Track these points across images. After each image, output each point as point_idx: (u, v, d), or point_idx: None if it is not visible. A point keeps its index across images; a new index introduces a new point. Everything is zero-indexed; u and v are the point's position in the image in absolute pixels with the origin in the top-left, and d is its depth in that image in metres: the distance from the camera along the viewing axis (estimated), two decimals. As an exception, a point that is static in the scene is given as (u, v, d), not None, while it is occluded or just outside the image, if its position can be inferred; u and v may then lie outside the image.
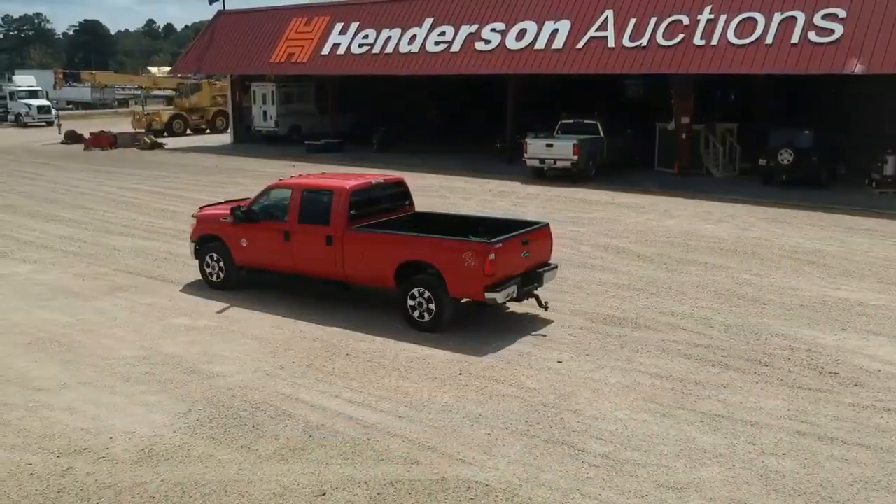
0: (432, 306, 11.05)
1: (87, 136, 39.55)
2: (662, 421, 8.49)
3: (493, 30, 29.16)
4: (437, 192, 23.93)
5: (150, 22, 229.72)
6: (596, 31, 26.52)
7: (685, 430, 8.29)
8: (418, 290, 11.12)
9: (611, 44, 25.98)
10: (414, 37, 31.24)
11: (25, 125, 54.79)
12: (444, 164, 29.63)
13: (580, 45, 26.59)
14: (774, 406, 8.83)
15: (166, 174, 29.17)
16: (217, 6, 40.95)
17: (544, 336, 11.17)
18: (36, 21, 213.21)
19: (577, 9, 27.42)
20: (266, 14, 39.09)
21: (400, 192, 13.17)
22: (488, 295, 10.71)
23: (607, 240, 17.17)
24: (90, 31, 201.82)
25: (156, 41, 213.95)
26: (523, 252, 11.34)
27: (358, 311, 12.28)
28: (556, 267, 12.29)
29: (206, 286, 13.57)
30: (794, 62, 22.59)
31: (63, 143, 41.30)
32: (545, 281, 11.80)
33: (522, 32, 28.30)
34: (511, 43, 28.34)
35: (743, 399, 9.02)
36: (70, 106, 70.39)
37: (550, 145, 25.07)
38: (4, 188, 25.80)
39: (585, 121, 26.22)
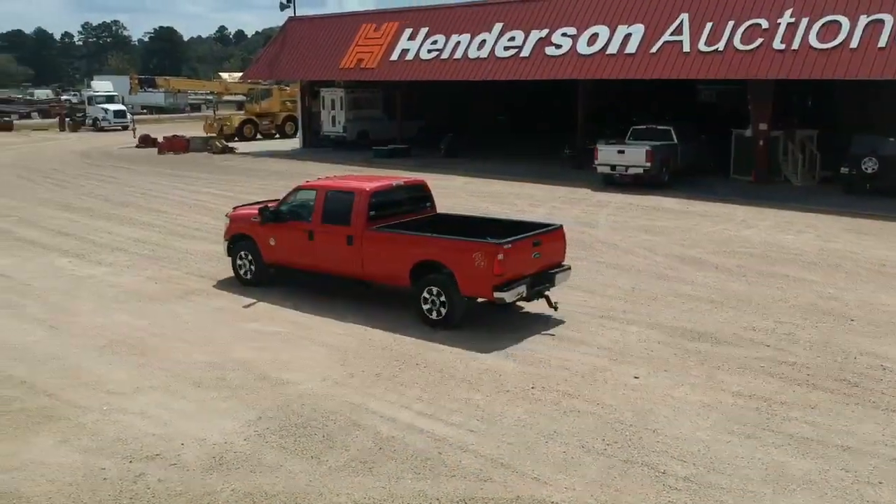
0: (444, 304, 11.37)
1: (160, 140, 40.41)
2: (747, 443, 8.08)
3: (564, 34, 28.78)
4: (505, 198, 23.67)
5: (222, 28, 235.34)
6: (670, 35, 25.94)
7: (772, 453, 7.86)
8: (431, 289, 11.46)
9: (686, 48, 25.37)
10: (483, 42, 31.04)
11: (102, 129, 56.37)
12: (512, 170, 29.35)
13: (654, 49, 26.03)
14: (868, 430, 8.33)
15: (237, 178, 29.54)
16: (288, 12, 41.48)
17: (620, 350, 10.81)
18: (114, 28, 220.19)
19: (651, 13, 26.87)
20: (336, 20, 39.44)
21: (422, 194, 13.55)
22: (497, 294, 10.98)
23: (682, 250, 16.66)
24: (165, 38, 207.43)
25: (227, 47, 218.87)
26: (534, 253, 11.56)
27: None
28: (570, 268, 12.45)
29: (274, 292, 13.58)
30: (880, 67, 21.68)
31: (138, 147, 42.30)
32: (558, 282, 12.00)
33: (594, 37, 27.86)
34: (582, 48, 27.92)
35: (833, 422, 8.54)
36: (144, 111, 72.24)
37: (622, 151, 24.58)
38: (82, 191, 26.45)
39: (658, 127, 25.62)
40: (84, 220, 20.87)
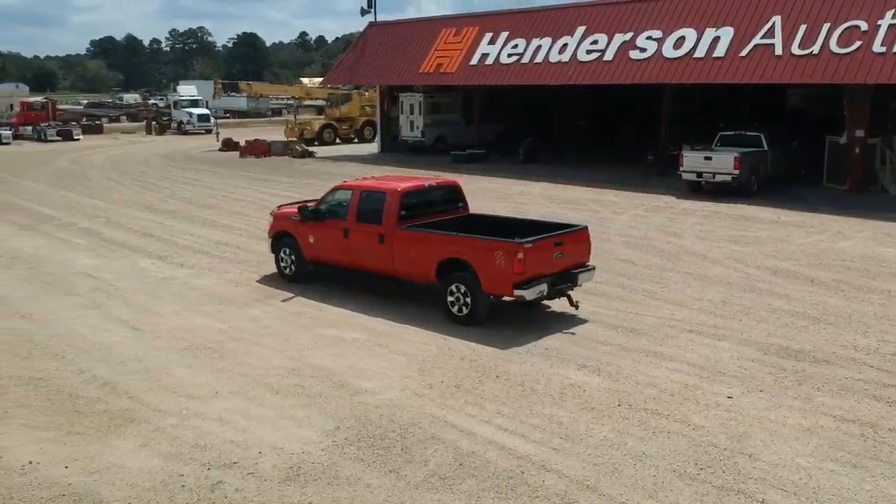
0: (469, 301, 11.69)
1: (242, 143, 41.12)
2: (853, 473, 7.51)
3: (649, 38, 28.10)
4: (585, 205, 23.17)
5: (303, 34, 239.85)
6: (762, 38, 25.02)
7: (881, 485, 7.29)
8: (456, 286, 11.79)
9: (778, 51, 24.41)
10: (565, 46, 30.58)
11: (187, 132, 57.80)
12: (592, 177, 28.77)
13: (744, 53, 25.15)
14: None
15: (316, 182, 29.71)
16: (368, 17, 41.74)
17: (711, 367, 10.28)
18: (199, 34, 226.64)
19: (742, 15, 25.98)
20: (416, 25, 39.49)
21: (453, 195, 13.94)
22: (517, 292, 11.26)
23: (775, 262, 15.91)
24: (248, 44, 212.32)
25: (308, 53, 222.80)
26: (556, 253, 11.79)
27: (507, 329, 11.79)
28: (594, 268, 12.58)
29: (351, 298, 13.48)
30: None
31: (220, 150, 43.14)
32: (581, 282, 12.18)
33: (681, 40, 27.10)
34: (668, 51, 27.19)
35: (949, 453, 7.88)
36: (227, 115, 73.83)
37: (709, 158, 23.76)
38: (166, 193, 27.00)
39: (748, 132, 24.70)
40: (167, 222, 21.24)
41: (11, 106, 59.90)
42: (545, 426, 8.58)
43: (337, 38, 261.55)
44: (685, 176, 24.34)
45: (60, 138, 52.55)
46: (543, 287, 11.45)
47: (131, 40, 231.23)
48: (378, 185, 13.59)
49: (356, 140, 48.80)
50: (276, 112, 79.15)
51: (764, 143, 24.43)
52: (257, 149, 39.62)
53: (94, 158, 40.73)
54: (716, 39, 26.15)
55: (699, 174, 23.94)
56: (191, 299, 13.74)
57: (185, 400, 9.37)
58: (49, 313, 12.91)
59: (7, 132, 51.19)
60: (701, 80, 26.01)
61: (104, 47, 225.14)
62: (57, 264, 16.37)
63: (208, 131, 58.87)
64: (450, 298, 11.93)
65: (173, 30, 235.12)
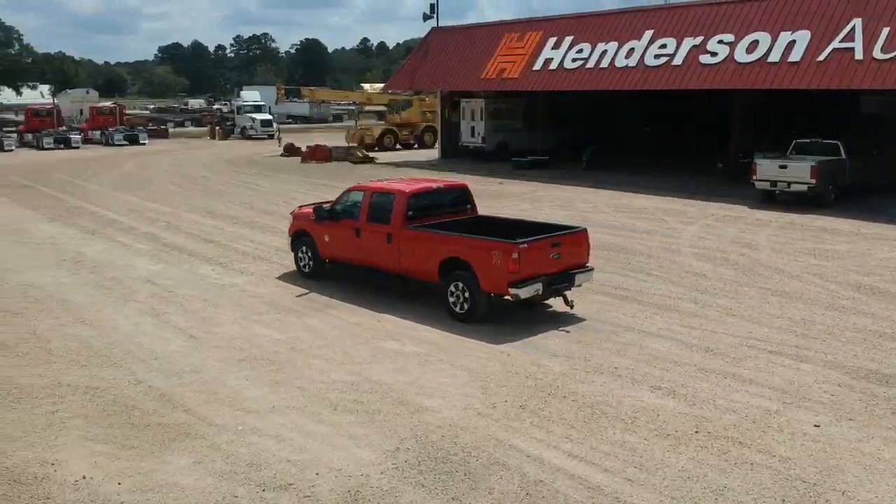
0: (468, 298, 12.06)
1: (304, 149, 41.27)
2: (961, 516, 6.81)
3: (720, 41, 27.22)
4: (652, 214, 22.44)
5: (365, 40, 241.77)
6: (840, 41, 23.97)
7: None
8: (456, 284, 12.19)
9: (858, 55, 23.35)
10: (632, 50, 29.85)
11: (249, 137, 58.45)
12: (659, 185, 27.96)
13: (821, 57, 24.13)
14: None
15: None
16: (431, 23, 41.53)
17: (795, 392, 9.59)
18: (263, 41, 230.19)
19: (819, 17, 24.95)
20: (478, 30, 39.15)
21: (462, 197, 14.33)
22: (512, 290, 11.60)
23: (858, 277, 15.04)
24: (310, 50, 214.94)
25: (369, 59, 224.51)
26: (553, 254, 12.08)
27: (574, 345, 11.27)
28: (592, 269, 12.89)
29: (412, 309, 13.11)
30: None
31: (282, 155, 43.38)
32: (578, 282, 12.49)
33: (754, 44, 26.17)
34: (741, 56, 26.28)
35: None
36: (290, 120, 74.58)
37: (784, 167, 22.81)
38: (229, 199, 27.09)
39: (825, 140, 23.64)
40: (228, 228, 21.21)
41: (81, 111, 61.37)
42: (617, 453, 8.05)
43: (398, 44, 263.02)
44: (758, 185, 23.42)
45: (127, 143, 53.59)
46: (538, 286, 11.77)
47: (197, 46, 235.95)
48: (388, 186, 14.15)
49: (416, 146, 48.68)
50: (338, 118, 79.77)
51: (842, 151, 23.36)
52: (318, 154, 39.70)
53: (159, 162, 41.34)
54: (791, 43, 25.17)
55: (773, 183, 23.01)
56: (250, 307, 13.53)
57: (241, 414, 9.08)
58: (108, 320, 12.83)
59: (77, 136, 52.36)
60: (776, 86, 25.07)
61: (171, 53, 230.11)
62: (118, 269, 16.38)
63: (270, 136, 59.52)
64: (451, 295, 12.32)
65: (238, 36, 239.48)
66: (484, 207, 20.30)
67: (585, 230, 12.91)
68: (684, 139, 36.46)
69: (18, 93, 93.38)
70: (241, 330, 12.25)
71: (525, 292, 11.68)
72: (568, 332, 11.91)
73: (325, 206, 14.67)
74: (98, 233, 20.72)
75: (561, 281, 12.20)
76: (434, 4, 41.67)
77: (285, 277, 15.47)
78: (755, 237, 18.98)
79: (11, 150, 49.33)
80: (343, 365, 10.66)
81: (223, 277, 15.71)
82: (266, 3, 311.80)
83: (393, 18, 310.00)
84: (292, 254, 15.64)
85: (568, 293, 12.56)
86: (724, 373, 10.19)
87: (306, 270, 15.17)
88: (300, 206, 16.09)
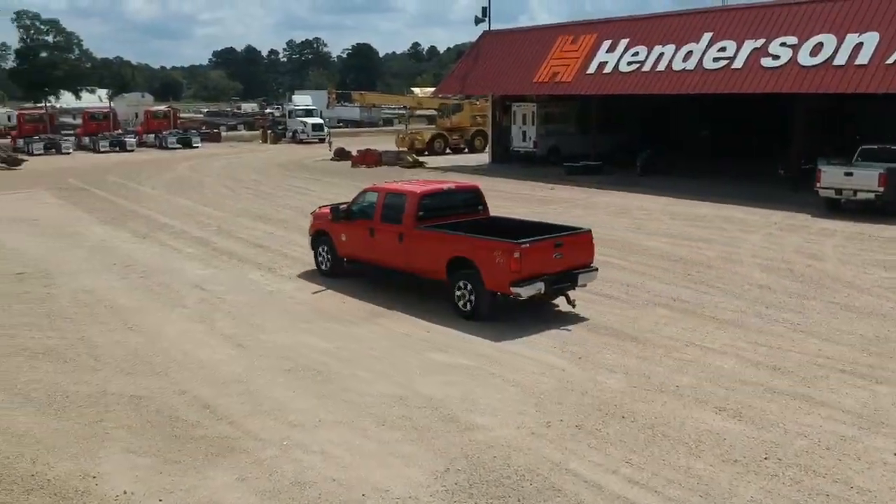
0: (473, 297, 12.45)
1: (354, 153, 41.19)
2: None
3: (782, 44, 26.32)
4: (711, 222, 21.72)
5: (416, 45, 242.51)
6: (912, 43, 22.96)
7: None
8: (463, 283, 12.58)
9: (931, 57, 22.32)
10: (690, 53, 29.08)
11: (301, 142, 58.71)
12: (717, 191, 27.11)
13: (891, 60, 23.13)
14: None
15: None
16: (483, 26, 41.17)
17: (871, 416, 8.96)
18: (315, 45, 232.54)
19: (888, 19, 23.93)
20: (531, 34, 38.66)
21: (473, 198, 14.68)
22: (514, 289, 11.93)
23: (934, 292, 14.23)
24: (361, 55, 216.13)
25: (420, 63, 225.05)
26: (556, 254, 12.38)
27: (633, 361, 10.78)
28: (596, 269, 13.13)
29: (458, 319, 12.74)
30: None
31: (332, 159, 43.37)
32: (582, 281, 12.76)
33: (818, 47, 25.24)
34: (804, 59, 25.36)
35: None
36: (341, 124, 74.81)
37: (850, 174, 21.88)
38: (278, 202, 27.05)
39: (893, 147, 22.63)
40: (279, 232, 21.09)
41: (137, 114, 62.40)
42: (681, 481, 7.56)
43: (448, 48, 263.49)
44: (822, 193, 22.51)
45: (180, 146, 54.20)
46: (540, 285, 12.04)
47: (251, 51, 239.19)
48: (400, 187, 14.70)
49: (466, 150, 48.30)
50: (388, 122, 79.81)
51: (912, 157, 22.33)
52: (368, 158, 39.58)
53: (211, 166, 41.66)
54: (858, 46, 24.20)
55: (838, 191, 22.09)
56: (297, 315, 13.30)
57: (286, 428, 8.80)
58: (156, 326, 12.70)
59: (132, 140, 53.18)
60: (841, 90, 24.11)
61: (224, 58, 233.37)
62: (168, 274, 16.32)
63: (321, 140, 59.62)
64: (457, 293, 12.69)
65: (290, 41, 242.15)
66: (534, 213, 19.84)
67: (589, 231, 13.26)
68: (744, 141, 35.48)
69: (78, 97, 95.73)
70: (288, 338, 12.00)
71: (527, 291, 11.97)
72: (623, 346, 11.42)
73: (342, 206, 15.20)
74: (149, 236, 20.78)
75: (564, 280, 12.51)
76: (486, 8, 41.31)
77: (333, 284, 15.21)
78: (821, 248, 18.17)
79: (69, 153, 50.25)
80: (391, 377, 10.33)
81: (272, 283, 15.53)
82: (318, 8, 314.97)
83: (444, 23, 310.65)
84: (312, 251, 16.21)
85: (571, 292, 12.86)
86: (794, 394, 9.60)
87: (324, 268, 15.71)
88: (320, 207, 16.60)
